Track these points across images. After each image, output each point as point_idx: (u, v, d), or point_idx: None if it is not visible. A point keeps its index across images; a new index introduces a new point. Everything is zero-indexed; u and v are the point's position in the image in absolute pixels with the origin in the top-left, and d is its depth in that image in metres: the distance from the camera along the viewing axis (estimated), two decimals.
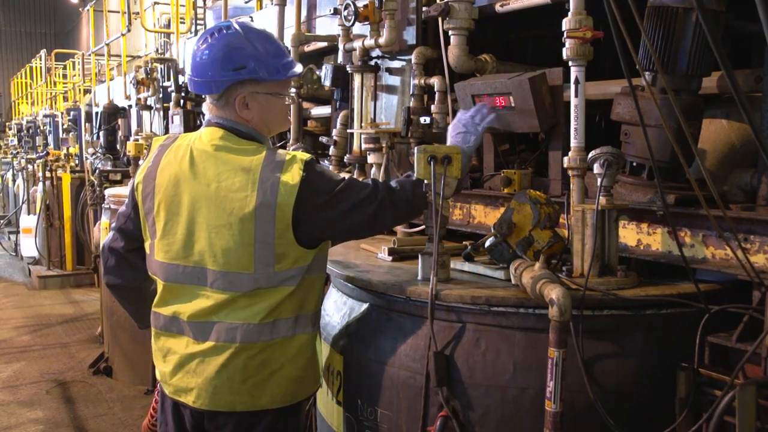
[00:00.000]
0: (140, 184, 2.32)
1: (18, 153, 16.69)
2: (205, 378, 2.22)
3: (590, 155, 2.14)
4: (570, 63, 2.25)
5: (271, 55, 2.26)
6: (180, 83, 6.34)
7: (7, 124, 24.90)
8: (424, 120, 3.01)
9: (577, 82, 2.23)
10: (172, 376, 2.29)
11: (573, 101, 2.25)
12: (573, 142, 2.26)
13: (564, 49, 2.24)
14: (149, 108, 7.16)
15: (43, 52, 18.49)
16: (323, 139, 4.15)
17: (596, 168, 2.12)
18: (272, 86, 2.28)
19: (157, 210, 2.26)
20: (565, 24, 2.22)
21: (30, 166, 12.92)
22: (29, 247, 11.12)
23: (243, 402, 2.22)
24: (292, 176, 2.13)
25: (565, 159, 2.28)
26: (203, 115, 6.61)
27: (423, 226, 2.39)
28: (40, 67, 18.66)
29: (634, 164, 2.35)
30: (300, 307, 2.26)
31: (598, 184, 2.11)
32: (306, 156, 2.19)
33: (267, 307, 2.19)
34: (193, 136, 2.32)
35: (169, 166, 2.27)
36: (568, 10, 2.23)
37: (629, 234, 2.35)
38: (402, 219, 2.44)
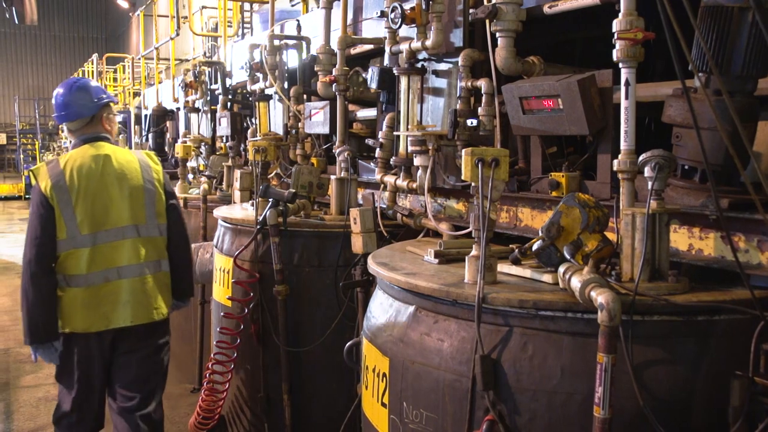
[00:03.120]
0: (52, 190, 3.40)
1: None
2: (135, 301, 3.50)
3: (641, 158, 2.11)
4: (620, 65, 2.21)
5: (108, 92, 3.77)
6: (227, 86, 6.43)
7: (60, 126, 25.53)
8: (471, 122, 3.00)
9: (627, 84, 2.20)
10: (112, 313, 3.45)
11: (623, 103, 2.21)
12: (623, 145, 2.23)
13: (614, 51, 2.20)
14: (197, 110, 7.27)
15: (94, 56, 18.97)
16: (369, 142, 4.17)
17: (647, 171, 2.08)
18: (113, 110, 3.77)
19: (76, 200, 3.42)
20: (616, 25, 2.19)
21: None
22: None
23: (156, 314, 3.58)
24: (156, 164, 3.71)
25: (615, 162, 2.25)
26: (248, 118, 6.65)
27: (469, 229, 2.38)
28: (92, 71, 19.13)
29: (686, 167, 2.30)
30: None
31: (649, 187, 2.07)
32: (153, 153, 3.83)
33: (157, 250, 3.62)
34: (84, 149, 3.54)
35: (77, 171, 3.45)
36: (619, 11, 2.20)
37: (680, 238, 2.31)
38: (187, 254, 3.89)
